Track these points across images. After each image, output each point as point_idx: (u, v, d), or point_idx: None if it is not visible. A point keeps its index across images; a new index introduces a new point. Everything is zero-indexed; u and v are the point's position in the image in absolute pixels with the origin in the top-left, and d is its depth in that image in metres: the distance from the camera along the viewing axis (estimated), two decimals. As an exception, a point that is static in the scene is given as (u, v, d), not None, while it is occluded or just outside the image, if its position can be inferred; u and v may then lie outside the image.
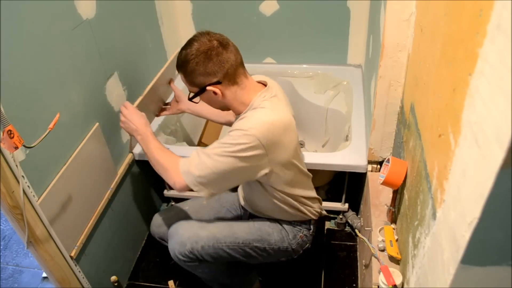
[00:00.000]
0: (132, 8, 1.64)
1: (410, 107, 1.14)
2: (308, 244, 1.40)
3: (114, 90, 1.53)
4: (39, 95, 1.14)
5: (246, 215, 1.47)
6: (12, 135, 0.95)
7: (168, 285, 1.68)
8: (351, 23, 1.96)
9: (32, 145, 1.05)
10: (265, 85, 1.22)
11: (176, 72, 1.22)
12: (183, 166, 1.17)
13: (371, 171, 1.55)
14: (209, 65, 1.13)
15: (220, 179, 1.14)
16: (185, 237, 1.30)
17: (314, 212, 1.36)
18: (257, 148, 1.09)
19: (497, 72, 0.50)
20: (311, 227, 1.38)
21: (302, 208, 1.31)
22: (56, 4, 1.18)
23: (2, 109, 0.95)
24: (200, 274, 1.42)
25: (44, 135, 1.08)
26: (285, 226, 1.35)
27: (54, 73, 1.19)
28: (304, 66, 2.14)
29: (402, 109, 1.28)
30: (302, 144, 2.17)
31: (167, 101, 1.83)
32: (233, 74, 1.16)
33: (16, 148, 0.97)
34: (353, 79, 2.00)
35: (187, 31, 2.11)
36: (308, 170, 1.60)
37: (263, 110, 1.14)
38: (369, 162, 1.54)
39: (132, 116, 1.33)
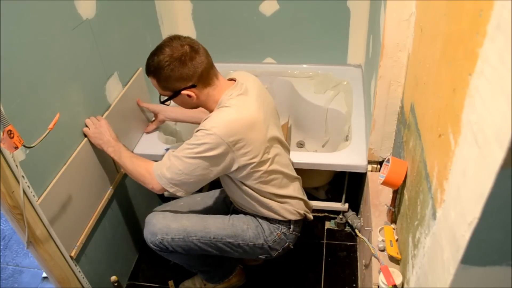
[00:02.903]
0: (132, 8, 1.64)
1: (410, 107, 1.14)
2: (288, 243, 1.38)
3: (114, 90, 1.53)
4: (39, 95, 1.14)
5: (231, 209, 1.49)
6: (12, 135, 0.95)
7: (168, 285, 1.68)
8: (351, 23, 1.95)
9: (32, 145, 1.05)
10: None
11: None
12: (156, 170, 1.21)
13: (371, 171, 1.55)
14: (184, 71, 1.16)
15: (192, 179, 1.18)
16: (156, 227, 1.33)
17: (293, 211, 1.33)
18: (220, 146, 1.12)
19: (497, 72, 0.50)
20: (291, 226, 1.36)
21: (274, 206, 1.29)
22: (56, 4, 1.18)
23: (2, 109, 0.95)
24: (175, 261, 1.46)
25: (44, 135, 1.08)
26: (262, 222, 1.35)
27: (54, 73, 1.19)
28: (304, 66, 2.14)
29: (402, 109, 1.28)
30: (302, 144, 2.17)
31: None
32: (206, 77, 1.19)
33: (16, 148, 0.97)
34: (353, 79, 2.00)
35: (187, 31, 2.11)
36: (309, 170, 1.61)
37: (226, 109, 1.16)
38: (369, 162, 1.53)
39: (105, 129, 1.35)
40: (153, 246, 1.36)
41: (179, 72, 1.16)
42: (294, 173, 1.36)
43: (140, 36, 1.73)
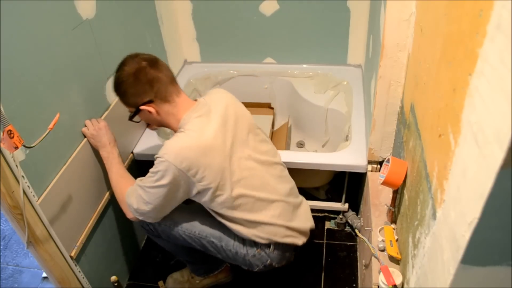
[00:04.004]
0: (132, 8, 1.64)
1: (410, 107, 1.14)
2: (269, 261, 1.33)
3: (114, 90, 1.53)
4: (39, 95, 1.14)
5: None
6: (12, 135, 0.95)
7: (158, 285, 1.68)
8: (351, 23, 1.95)
9: (32, 145, 1.05)
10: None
11: None
12: (127, 198, 1.25)
13: (371, 171, 1.55)
14: (138, 86, 1.18)
15: (158, 207, 1.21)
16: None
17: (265, 238, 1.27)
18: (173, 172, 1.13)
19: (497, 72, 0.50)
20: (271, 246, 1.30)
21: (245, 232, 1.26)
22: (56, 4, 1.18)
23: (2, 109, 0.95)
24: (162, 245, 1.47)
25: (44, 135, 1.08)
26: None
27: (54, 73, 1.19)
28: (304, 66, 2.14)
29: (402, 109, 1.28)
30: (302, 144, 2.18)
31: None
32: (164, 93, 1.20)
33: (16, 148, 0.97)
34: (353, 79, 2.00)
35: (187, 31, 2.11)
36: (309, 170, 1.61)
37: (180, 134, 1.17)
38: (369, 162, 1.54)
39: (103, 132, 1.35)
40: (142, 227, 1.38)
41: (134, 87, 1.18)
42: (274, 195, 1.27)
43: (140, 36, 1.73)
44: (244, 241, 1.33)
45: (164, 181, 1.14)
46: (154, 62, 1.20)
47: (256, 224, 1.26)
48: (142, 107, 1.20)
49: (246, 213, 1.24)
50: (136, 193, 1.21)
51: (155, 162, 1.16)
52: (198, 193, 1.19)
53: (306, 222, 1.37)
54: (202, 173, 1.15)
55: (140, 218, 1.25)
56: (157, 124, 1.28)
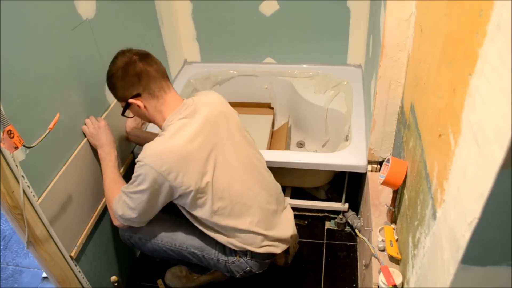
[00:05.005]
0: (132, 8, 1.64)
1: (410, 107, 1.14)
2: (249, 268, 1.33)
3: (114, 90, 1.52)
4: (39, 95, 1.14)
5: None
6: (12, 135, 0.95)
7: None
8: (351, 23, 1.95)
9: (32, 145, 1.05)
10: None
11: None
12: (114, 204, 1.24)
13: (371, 171, 1.55)
14: (127, 79, 1.17)
15: (142, 211, 1.20)
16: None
17: (240, 246, 1.27)
18: (152, 175, 1.12)
19: (497, 72, 0.50)
20: (247, 254, 1.31)
21: (221, 240, 1.26)
22: (56, 4, 1.18)
23: (2, 109, 0.95)
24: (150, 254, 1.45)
25: (44, 135, 1.08)
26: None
27: (54, 73, 1.19)
28: (304, 66, 2.14)
29: (402, 109, 1.28)
30: (302, 144, 2.18)
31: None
32: (152, 88, 1.19)
33: (16, 148, 0.97)
34: (353, 79, 2.00)
35: (187, 31, 2.11)
36: (309, 170, 1.61)
37: (160, 138, 1.16)
38: (369, 162, 1.54)
39: (102, 131, 1.35)
40: (123, 241, 1.38)
41: (123, 80, 1.17)
42: (253, 201, 1.26)
43: (140, 36, 1.73)
44: (224, 248, 1.32)
45: (145, 185, 1.13)
46: (144, 56, 1.19)
47: (233, 231, 1.25)
48: (130, 101, 1.19)
49: (224, 218, 1.23)
50: (121, 199, 1.21)
51: (135, 166, 1.15)
52: (180, 196, 1.17)
53: (287, 230, 1.35)
54: (182, 177, 1.13)
55: (126, 223, 1.25)
56: (146, 119, 1.27)
